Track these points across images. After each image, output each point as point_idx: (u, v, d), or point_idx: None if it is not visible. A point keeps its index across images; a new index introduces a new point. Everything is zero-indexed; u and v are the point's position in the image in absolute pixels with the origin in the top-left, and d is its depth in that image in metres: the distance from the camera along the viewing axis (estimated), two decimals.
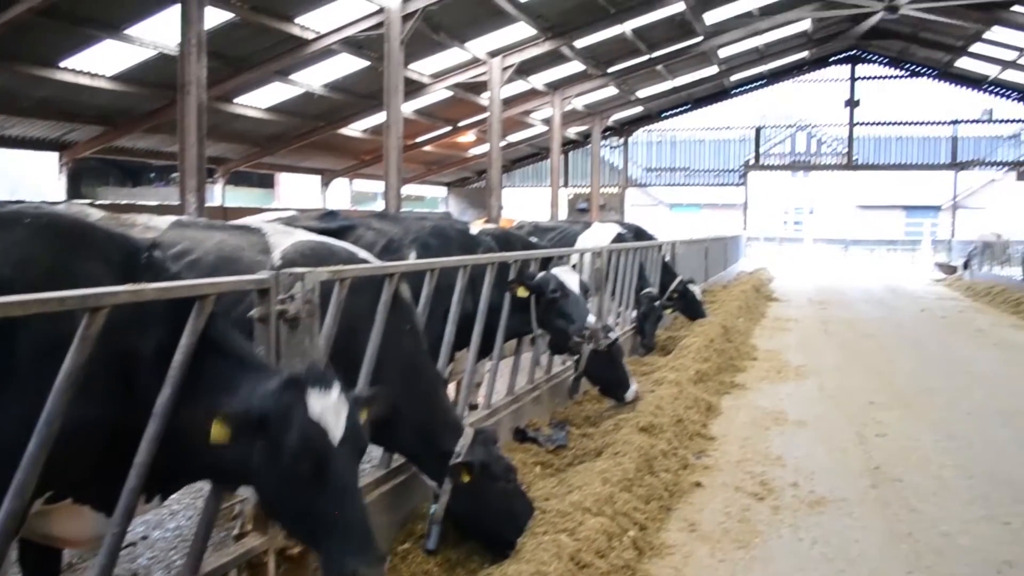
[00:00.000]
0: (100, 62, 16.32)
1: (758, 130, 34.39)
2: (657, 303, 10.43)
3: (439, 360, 4.71)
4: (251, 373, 2.69)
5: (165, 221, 4.22)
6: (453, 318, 4.87)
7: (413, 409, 3.97)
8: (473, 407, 6.20)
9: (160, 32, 15.28)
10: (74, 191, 28.45)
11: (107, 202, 25.35)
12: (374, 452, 5.99)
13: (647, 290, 10.42)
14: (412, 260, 5.40)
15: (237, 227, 4.44)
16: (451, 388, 5.47)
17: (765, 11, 22.34)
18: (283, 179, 37.85)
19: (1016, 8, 20.73)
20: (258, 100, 20.94)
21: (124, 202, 25.42)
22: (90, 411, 2.49)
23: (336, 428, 2.55)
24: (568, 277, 6.01)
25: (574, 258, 8.27)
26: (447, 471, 3.87)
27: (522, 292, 5.71)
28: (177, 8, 11.41)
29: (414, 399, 3.99)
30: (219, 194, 26.34)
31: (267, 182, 36.12)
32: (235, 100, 20.23)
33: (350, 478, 2.60)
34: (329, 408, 2.55)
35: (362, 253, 4.37)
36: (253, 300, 3.15)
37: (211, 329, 2.71)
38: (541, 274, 5.96)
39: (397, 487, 4.24)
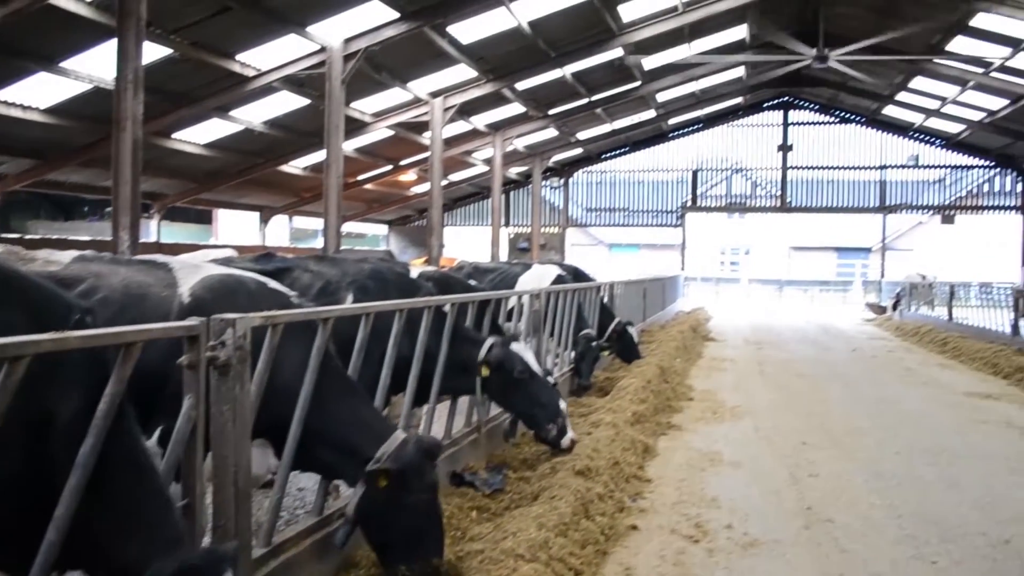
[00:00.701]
0: (33, 94, 16.00)
1: (695, 172, 35.13)
2: (595, 344, 10.50)
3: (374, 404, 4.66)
4: None
5: (67, 256, 4.11)
6: (389, 362, 4.83)
7: (328, 426, 3.91)
8: None
9: (96, 66, 15.07)
10: (3, 225, 27.74)
11: (38, 236, 24.74)
12: (308, 497, 5.92)
13: (585, 331, 10.48)
14: (348, 303, 5.37)
15: (143, 262, 4.33)
16: None
17: (701, 58, 22.93)
18: (221, 215, 37.42)
19: (938, 60, 21.65)
20: (197, 136, 20.72)
21: (55, 236, 24.80)
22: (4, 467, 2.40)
23: None
24: (529, 355, 5.98)
25: (511, 301, 8.30)
26: (362, 474, 3.77)
27: (485, 372, 5.68)
28: (114, 43, 11.26)
29: (328, 416, 3.91)
30: (155, 230, 25.89)
31: (205, 218, 35.66)
32: (173, 135, 20.00)
33: None
34: None
35: (272, 284, 4.29)
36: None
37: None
38: (502, 351, 5.81)
39: (330, 535, 4.16)
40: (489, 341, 5.68)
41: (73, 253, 4.17)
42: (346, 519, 3.88)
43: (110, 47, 12.02)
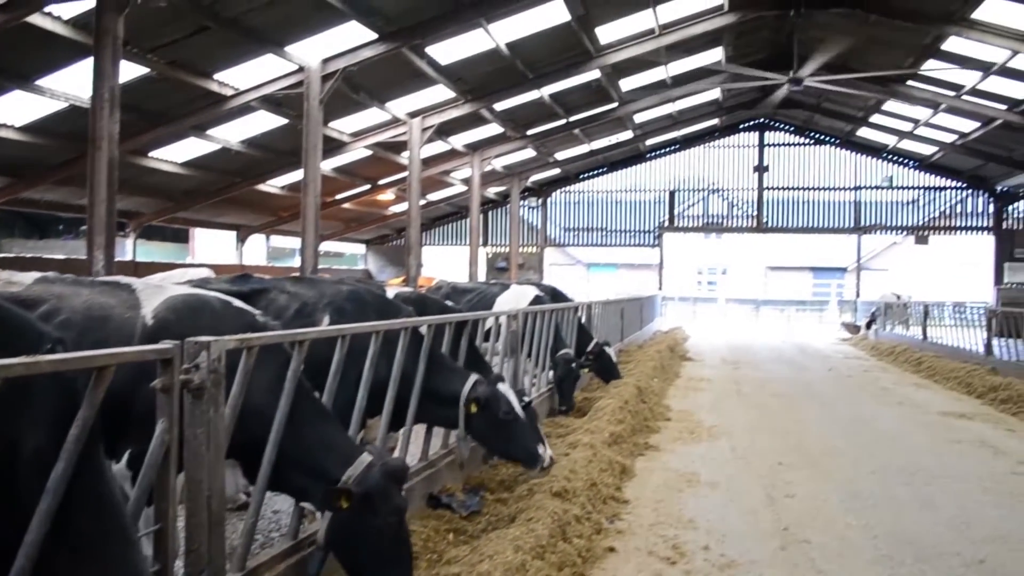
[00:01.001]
0: (9, 112, 15.88)
1: (672, 193, 35.38)
2: (574, 364, 10.51)
3: (350, 427, 4.63)
4: None
5: (29, 277, 4.07)
6: (365, 385, 4.81)
7: (296, 448, 3.88)
8: None
9: (72, 84, 14.98)
10: None
11: (11, 255, 24.48)
12: (283, 520, 5.86)
13: (563, 351, 10.50)
14: (324, 325, 5.35)
15: (106, 284, 4.30)
16: None
17: (677, 80, 23.18)
18: (198, 234, 37.18)
19: (911, 83, 22.00)
20: (174, 154, 20.63)
21: (30, 255, 24.54)
22: None
23: None
24: (512, 397, 5.94)
25: (489, 321, 8.30)
26: (324, 496, 3.75)
27: (473, 408, 5.66)
28: (90, 61, 11.22)
29: (295, 438, 3.89)
30: (130, 248, 25.72)
31: (181, 237, 35.44)
32: (150, 154, 19.90)
33: None
34: None
35: (236, 303, 4.26)
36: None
37: None
38: (490, 391, 5.76)
39: (304, 559, 4.12)
40: (473, 378, 5.65)
41: (35, 274, 4.13)
42: (318, 545, 3.86)
43: (86, 65, 12.00)
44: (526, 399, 6.23)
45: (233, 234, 30.71)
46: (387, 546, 3.81)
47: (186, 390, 3.06)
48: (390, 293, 6.61)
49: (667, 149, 35.00)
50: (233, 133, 20.05)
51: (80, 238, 28.45)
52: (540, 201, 36.51)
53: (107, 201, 10.85)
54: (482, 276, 32.17)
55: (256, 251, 36.22)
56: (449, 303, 7.85)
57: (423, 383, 5.58)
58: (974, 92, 21.08)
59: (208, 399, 3.11)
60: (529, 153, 29.07)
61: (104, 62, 10.86)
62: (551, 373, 10.40)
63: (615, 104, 24.24)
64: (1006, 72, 18.95)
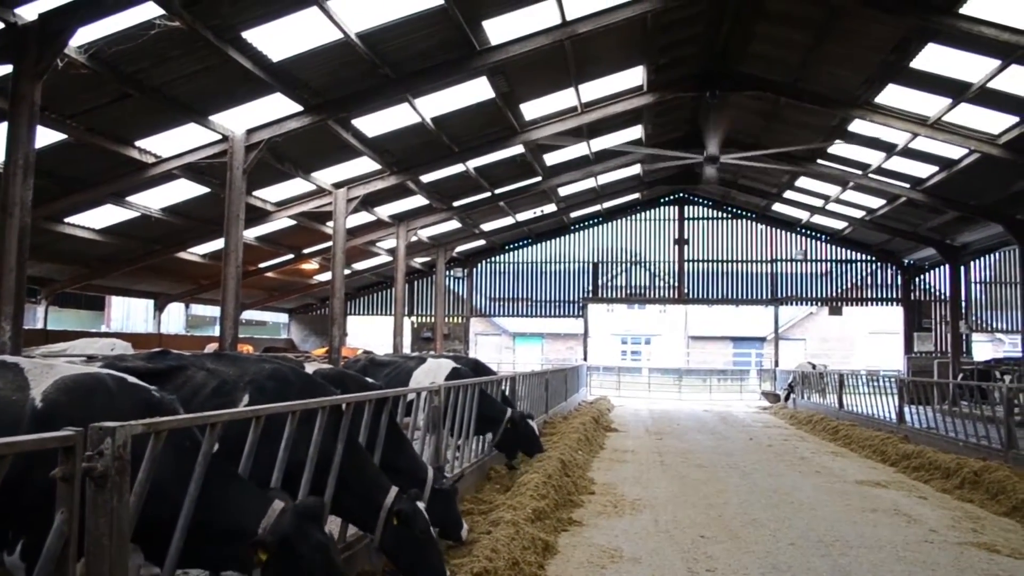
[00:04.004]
0: None
1: (596, 264, 35.93)
2: (521, 419, 10.70)
3: None
4: None
5: None
6: (280, 466, 4.68)
7: (206, 517, 3.78)
8: None
9: None
10: None
11: None
12: None
13: (511, 413, 10.64)
14: (244, 404, 5.23)
15: None
16: None
17: (599, 156, 23.77)
18: (114, 302, 36.20)
19: (820, 161, 22.99)
20: (90, 221, 20.12)
21: None
22: None
23: None
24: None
25: (410, 396, 8.22)
26: (242, 555, 3.63)
27: (395, 521, 5.50)
28: (4, 126, 10.96)
29: (205, 507, 3.79)
30: (41, 316, 24.84)
31: (96, 304, 34.37)
32: (65, 220, 19.38)
33: None
34: None
35: (131, 379, 4.14)
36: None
37: None
38: (411, 507, 5.47)
39: None
40: (394, 490, 5.52)
41: None
42: None
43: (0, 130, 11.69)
44: (446, 478, 6.15)
45: (151, 302, 29.94)
46: None
47: (88, 479, 2.93)
48: (309, 369, 6.49)
49: (591, 222, 35.68)
50: (153, 200, 19.70)
51: None
52: (466, 271, 36.65)
53: (17, 270, 10.49)
54: (407, 346, 31.93)
55: (175, 320, 35.38)
56: (369, 380, 7.74)
57: (344, 474, 5.43)
58: (880, 171, 22.13)
59: (112, 487, 2.98)
60: (455, 224, 29.27)
61: (19, 128, 10.60)
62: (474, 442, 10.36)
63: (539, 178, 24.70)
64: (908, 153, 19.98)
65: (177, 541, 3.66)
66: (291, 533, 3.72)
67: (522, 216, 31.12)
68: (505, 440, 11.13)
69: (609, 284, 36.10)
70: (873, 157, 21.28)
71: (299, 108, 15.29)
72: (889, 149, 20.18)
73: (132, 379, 4.15)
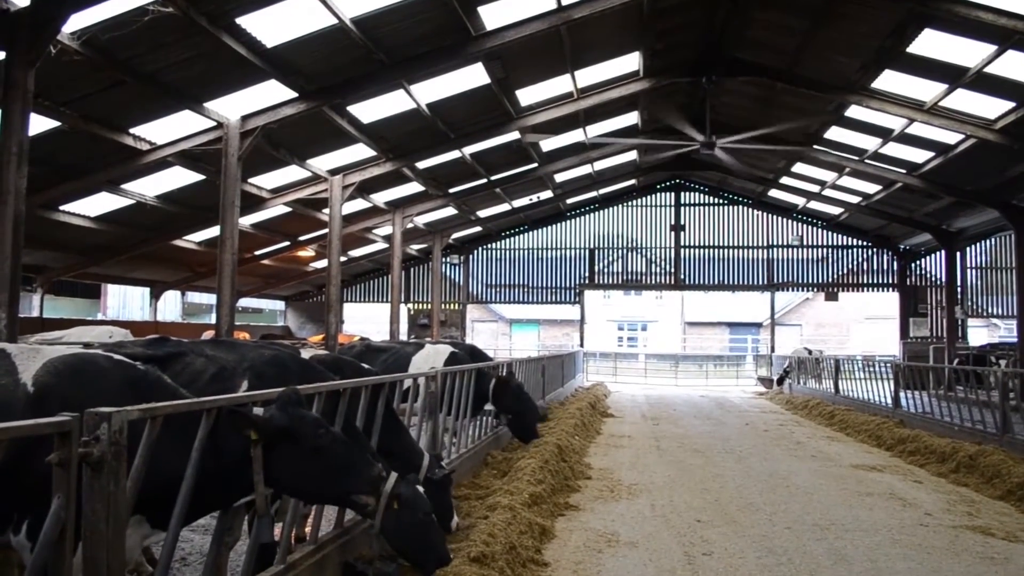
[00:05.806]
0: None
1: (592, 251, 35.91)
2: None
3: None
4: None
5: None
6: None
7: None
8: (300, 539, 5.98)
9: None
10: None
11: None
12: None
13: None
14: (243, 390, 5.23)
15: None
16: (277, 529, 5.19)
17: (595, 142, 23.71)
18: (110, 290, 36.17)
19: (817, 147, 22.95)
20: (86, 208, 20.05)
21: None
22: None
23: None
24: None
25: (407, 381, 8.23)
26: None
27: (395, 505, 5.47)
28: None
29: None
30: (37, 304, 24.80)
31: (92, 292, 34.34)
32: (60, 207, 19.31)
33: None
34: None
35: (117, 356, 4.15)
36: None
37: None
38: (411, 491, 5.53)
39: None
40: (394, 475, 5.51)
41: None
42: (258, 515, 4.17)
43: None
44: (442, 467, 6.16)
45: (147, 290, 29.89)
46: (328, 458, 4.21)
47: (85, 463, 2.93)
48: (305, 355, 6.49)
49: (587, 208, 35.64)
50: (149, 187, 19.63)
51: None
52: (462, 258, 36.62)
53: (12, 258, 10.45)
54: (404, 333, 31.94)
55: (171, 307, 35.37)
56: (364, 365, 7.73)
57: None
58: (876, 157, 22.10)
59: (108, 472, 2.99)
60: (451, 211, 29.22)
61: (13, 116, 10.54)
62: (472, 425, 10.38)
63: (535, 164, 24.64)
64: (904, 138, 19.96)
65: (173, 535, 3.69)
66: (293, 421, 4.08)
67: (518, 203, 31.07)
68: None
69: (605, 270, 36.09)
70: (869, 143, 21.25)
71: (294, 94, 15.22)
72: (885, 135, 20.15)
73: (118, 356, 4.18)
